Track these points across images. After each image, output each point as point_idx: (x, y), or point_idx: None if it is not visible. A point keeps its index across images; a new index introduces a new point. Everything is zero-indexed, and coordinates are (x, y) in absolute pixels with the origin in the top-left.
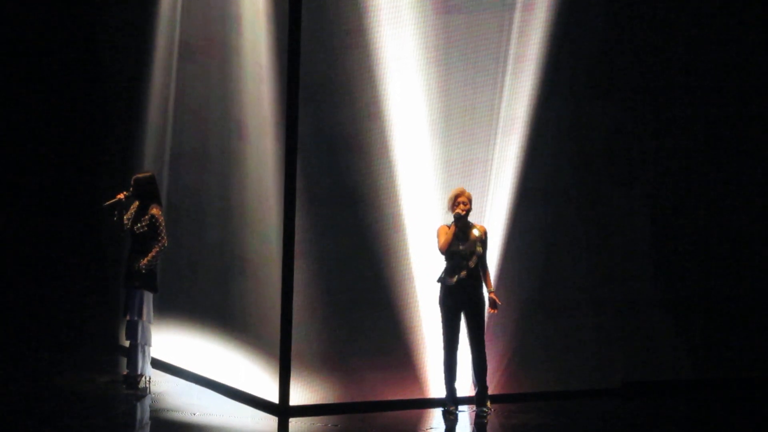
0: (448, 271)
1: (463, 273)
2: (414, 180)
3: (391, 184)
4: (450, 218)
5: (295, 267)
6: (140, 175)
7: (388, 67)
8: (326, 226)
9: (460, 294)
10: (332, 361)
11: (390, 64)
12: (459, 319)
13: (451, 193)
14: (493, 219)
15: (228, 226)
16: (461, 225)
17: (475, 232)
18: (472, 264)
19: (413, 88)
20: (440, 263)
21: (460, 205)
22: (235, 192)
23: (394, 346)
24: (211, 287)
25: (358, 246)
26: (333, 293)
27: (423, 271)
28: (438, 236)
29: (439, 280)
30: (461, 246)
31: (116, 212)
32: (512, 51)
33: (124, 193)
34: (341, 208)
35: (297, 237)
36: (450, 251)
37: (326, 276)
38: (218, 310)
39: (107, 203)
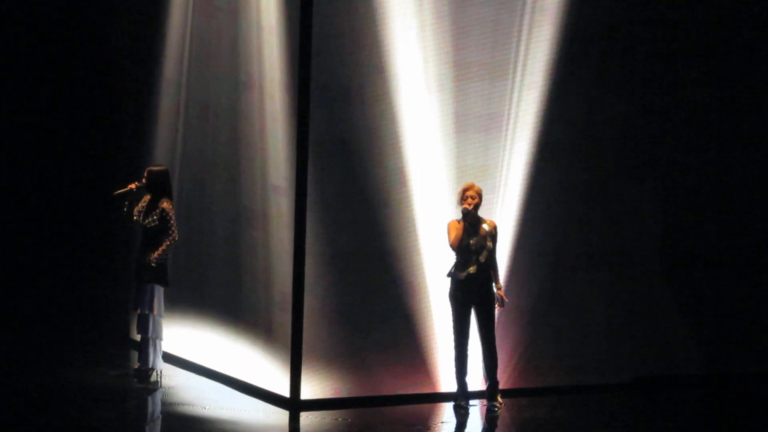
0: (458, 266)
1: (473, 268)
2: (427, 181)
3: (401, 170)
4: (460, 212)
5: (306, 260)
6: (154, 168)
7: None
8: (337, 220)
9: (470, 288)
10: (343, 356)
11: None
12: (469, 314)
13: (460, 187)
14: (504, 212)
15: (237, 208)
16: (471, 220)
17: (485, 227)
18: (482, 259)
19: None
20: (452, 257)
21: (468, 199)
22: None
23: (406, 341)
24: (222, 281)
25: (370, 242)
26: (344, 288)
27: (435, 266)
28: (448, 232)
29: (449, 275)
30: (471, 241)
31: (126, 202)
32: (523, 47)
33: (136, 183)
34: (352, 206)
35: (308, 235)
36: (460, 246)
37: (337, 270)
38: (229, 304)
39: (118, 192)
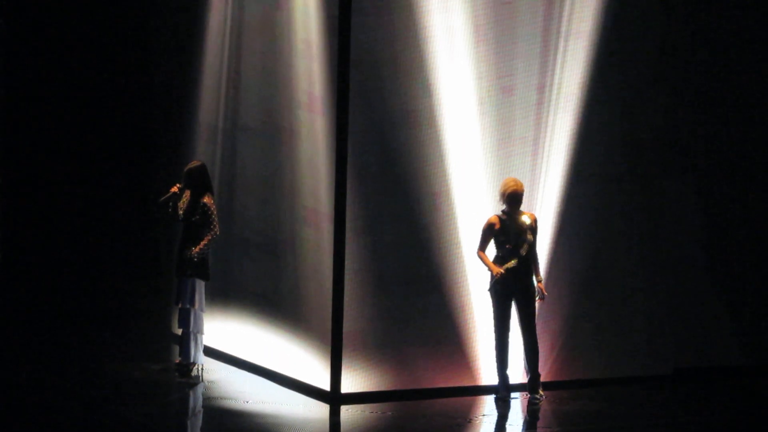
0: (499, 260)
1: (514, 261)
2: (468, 169)
3: (441, 161)
4: (500, 207)
5: (346, 254)
6: (191, 166)
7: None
8: (377, 211)
9: (511, 281)
10: (384, 349)
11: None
12: (510, 307)
13: (503, 185)
14: (544, 205)
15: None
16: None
17: (526, 220)
18: (523, 252)
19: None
20: (489, 248)
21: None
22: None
23: (446, 334)
24: (262, 274)
25: (409, 234)
26: (384, 281)
27: (475, 258)
28: (483, 234)
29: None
30: (512, 235)
31: (171, 204)
32: (563, 36)
33: (177, 185)
34: (392, 196)
35: (348, 228)
36: (500, 240)
37: (378, 263)
38: (270, 298)
39: (163, 198)
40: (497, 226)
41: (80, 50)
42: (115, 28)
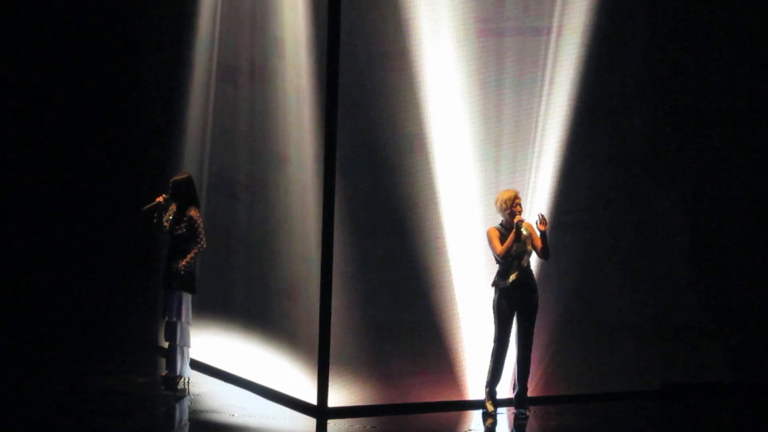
0: (501, 274)
1: (516, 274)
2: (456, 182)
3: (430, 178)
4: (498, 219)
5: (333, 267)
6: (178, 177)
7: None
8: (365, 229)
9: (515, 295)
10: (370, 363)
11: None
12: (512, 324)
13: (503, 195)
14: (532, 221)
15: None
16: (509, 226)
17: (524, 231)
18: (524, 263)
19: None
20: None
21: (518, 206)
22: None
23: (433, 348)
24: (249, 288)
25: (398, 246)
26: (371, 295)
27: (463, 272)
28: (491, 240)
29: (493, 284)
30: (513, 246)
31: (155, 215)
32: (551, 54)
33: (163, 195)
34: (380, 210)
35: (335, 241)
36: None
37: (365, 277)
38: (257, 312)
39: (147, 207)
40: (498, 236)
41: (61, 50)
42: (101, 19)
